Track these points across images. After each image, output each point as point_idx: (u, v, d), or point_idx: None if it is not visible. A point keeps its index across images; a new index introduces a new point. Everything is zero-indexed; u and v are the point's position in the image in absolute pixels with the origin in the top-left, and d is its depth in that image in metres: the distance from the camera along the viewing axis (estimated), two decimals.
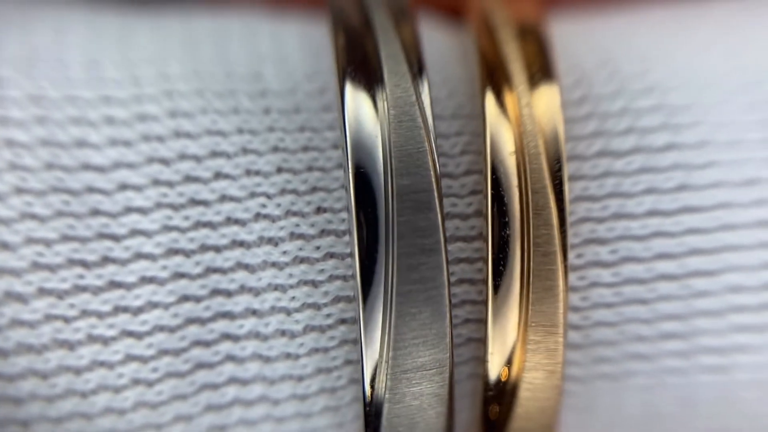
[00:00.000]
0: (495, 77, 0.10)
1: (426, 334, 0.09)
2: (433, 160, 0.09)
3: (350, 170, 0.09)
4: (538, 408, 0.10)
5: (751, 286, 0.10)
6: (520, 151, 0.10)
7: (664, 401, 0.11)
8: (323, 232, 0.10)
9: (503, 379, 0.10)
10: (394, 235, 0.09)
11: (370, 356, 0.09)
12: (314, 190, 0.10)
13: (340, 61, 0.09)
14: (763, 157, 0.10)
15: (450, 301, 0.09)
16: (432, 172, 0.09)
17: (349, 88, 0.09)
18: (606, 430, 0.11)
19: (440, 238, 0.09)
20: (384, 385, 0.09)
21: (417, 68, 0.09)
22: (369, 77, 0.09)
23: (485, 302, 0.10)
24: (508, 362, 0.10)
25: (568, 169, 0.10)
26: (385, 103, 0.09)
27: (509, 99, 0.10)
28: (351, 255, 0.10)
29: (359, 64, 0.09)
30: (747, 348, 0.10)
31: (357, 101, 0.09)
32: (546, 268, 0.10)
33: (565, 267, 0.10)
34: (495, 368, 0.10)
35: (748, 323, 0.10)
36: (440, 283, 0.09)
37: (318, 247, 0.10)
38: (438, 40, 0.11)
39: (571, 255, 0.10)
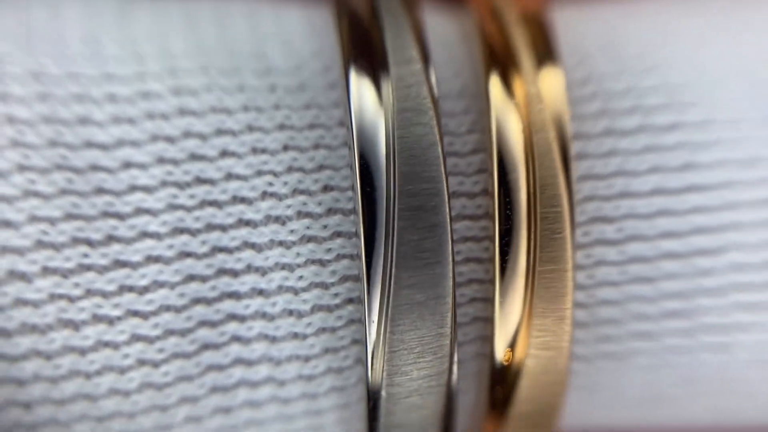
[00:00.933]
0: (499, 58, 0.10)
1: (425, 315, 0.09)
2: (440, 141, 0.09)
3: (356, 153, 0.09)
4: (543, 390, 0.10)
5: (753, 265, 0.10)
6: (527, 130, 0.10)
7: (666, 380, 0.11)
8: (330, 211, 0.10)
9: (506, 361, 0.10)
10: (395, 216, 0.09)
11: (371, 336, 0.09)
12: (321, 168, 0.10)
13: (345, 46, 0.09)
14: (764, 136, 0.10)
15: (454, 281, 0.09)
16: (440, 157, 0.09)
17: (354, 74, 0.09)
18: (608, 409, 0.11)
19: (445, 221, 0.09)
20: (381, 366, 0.09)
21: (422, 53, 0.09)
22: (374, 62, 0.09)
23: (492, 281, 0.10)
24: (513, 343, 0.10)
25: (574, 148, 0.10)
26: (391, 87, 0.09)
27: (514, 79, 0.10)
28: (356, 234, 0.10)
29: (364, 49, 0.09)
30: (749, 327, 0.11)
31: (362, 86, 0.09)
32: (553, 246, 0.10)
33: (573, 245, 0.10)
34: (501, 348, 0.10)
35: (751, 302, 0.11)
36: (443, 262, 0.09)
37: (325, 226, 0.10)
38: (439, 22, 0.11)
39: (577, 233, 0.10)
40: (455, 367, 0.09)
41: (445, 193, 0.09)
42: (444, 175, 0.09)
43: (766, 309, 0.11)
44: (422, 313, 0.09)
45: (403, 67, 0.09)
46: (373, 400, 0.09)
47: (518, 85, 0.10)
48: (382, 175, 0.09)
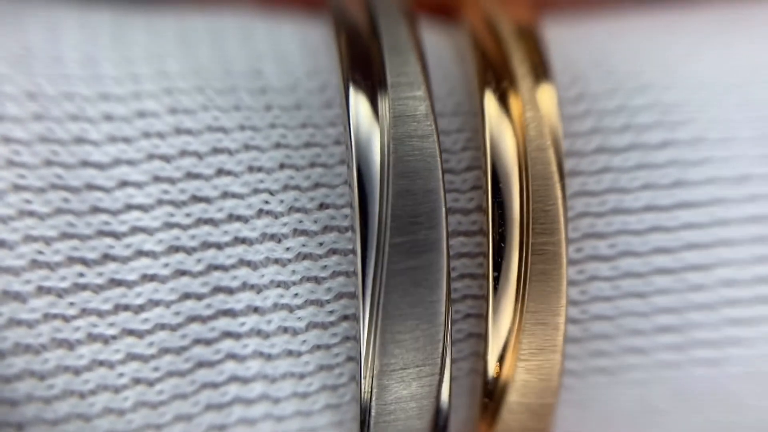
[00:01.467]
0: (493, 74, 0.10)
1: (417, 335, 0.09)
2: (440, 157, 0.09)
3: (354, 170, 0.09)
4: (532, 405, 0.10)
5: (743, 280, 0.11)
6: (521, 147, 0.10)
7: (658, 395, 0.11)
8: (326, 228, 0.10)
9: (495, 376, 0.10)
10: (386, 235, 0.09)
11: (364, 354, 0.09)
12: (317, 186, 0.10)
13: (344, 62, 0.09)
14: (754, 155, 0.11)
15: (449, 299, 0.09)
16: (439, 172, 0.09)
17: (353, 91, 0.09)
18: (601, 424, 0.11)
19: (441, 237, 0.09)
20: (370, 383, 0.09)
21: (423, 70, 0.09)
22: (373, 80, 0.09)
23: (485, 297, 0.10)
24: (502, 358, 0.10)
25: (567, 165, 0.10)
26: (388, 106, 0.09)
27: (509, 95, 0.10)
28: (353, 252, 0.10)
29: (363, 66, 0.09)
30: (740, 341, 0.11)
31: (359, 104, 0.09)
32: (546, 261, 0.10)
33: (566, 261, 0.10)
34: (493, 364, 0.10)
35: (741, 317, 0.11)
36: (435, 282, 0.09)
37: (321, 243, 0.10)
38: (433, 39, 0.11)
39: (570, 249, 0.10)
40: (446, 386, 0.09)
41: (443, 208, 0.09)
42: (442, 191, 0.09)
43: (757, 324, 0.11)
44: (414, 332, 0.09)
45: (403, 86, 0.09)
46: (364, 418, 0.09)
47: (513, 102, 0.10)
48: (376, 192, 0.09)
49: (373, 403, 0.09)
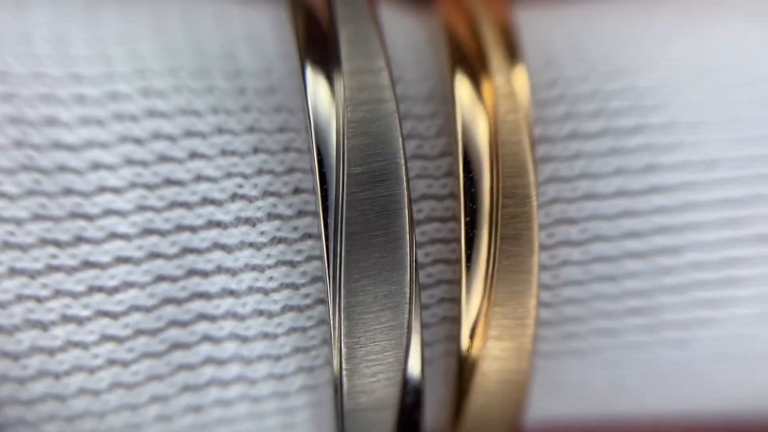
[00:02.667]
0: (466, 59, 0.10)
1: (379, 311, 0.09)
2: (399, 133, 0.09)
3: (314, 153, 0.09)
4: (502, 384, 0.10)
5: (712, 263, 0.11)
6: (493, 133, 0.10)
7: (629, 375, 0.11)
8: (301, 213, 0.10)
9: (466, 352, 0.10)
10: (343, 217, 0.09)
11: (335, 336, 0.09)
12: (291, 170, 0.10)
13: (301, 44, 0.09)
14: (723, 138, 0.11)
15: (413, 267, 0.09)
16: (399, 149, 0.09)
17: (310, 71, 0.09)
18: (572, 404, 0.12)
19: (403, 214, 0.09)
20: (340, 364, 0.09)
21: (381, 43, 0.09)
22: (329, 59, 0.09)
23: (459, 281, 0.10)
24: (472, 337, 0.10)
25: (539, 151, 0.10)
26: (343, 85, 0.09)
27: (481, 80, 0.10)
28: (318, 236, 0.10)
29: (319, 46, 0.09)
30: (708, 322, 0.11)
31: (318, 84, 0.09)
32: (517, 247, 0.10)
33: (537, 246, 0.10)
34: (466, 341, 0.10)
35: (710, 298, 0.11)
36: (400, 250, 0.09)
37: (296, 228, 0.10)
38: (407, 24, 0.11)
39: (541, 235, 0.11)
40: (415, 356, 0.09)
41: (403, 168, 0.09)
42: (402, 150, 0.09)
43: (726, 305, 0.11)
44: (376, 310, 0.09)
45: (360, 60, 0.09)
46: (339, 398, 0.09)
47: (486, 87, 0.10)
48: (332, 162, 0.09)
49: (345, 383, 0.09)
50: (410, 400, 0.10)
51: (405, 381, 0.09)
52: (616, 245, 0.11)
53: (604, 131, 0.11)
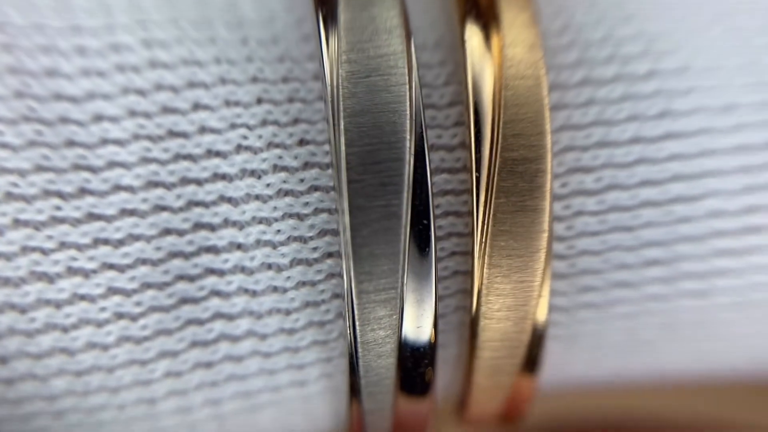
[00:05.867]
0: (475, 6, 0.10)
1: (384, 269, 0.09)
2: (410, 80, 0.09)
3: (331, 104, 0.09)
4: (510, 334, 0.10)
5: (731, 211, 0.10)
6: (504, 80, 0.10)
7: (646, 327, 0.11)
8: (307, 165, 0.10)
9: (472, 312, 0.10)
10: (342, 168, 0.09)
11: (348, 290, 0.09)
12: (296, 121, 0.10)
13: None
14: (740, 83, 0.10)
15: (407, 236, 0.09)
16: (405, 76, 0.09)
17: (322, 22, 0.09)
18: (590, 358, 0.11)
19: (403, 173, 0.09)
20: (352, 319, 0.09)
21: None
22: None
23: (471, 234, 0.10)
24: (479, 294, 0.10)
25: (551, 98, 0.10)
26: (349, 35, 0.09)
27: (491, 28, 0.10)
28: (334, 189, 0.10)
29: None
30: (727, 272, 0.11)
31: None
32: (531, 197, 0.10)
33: (551, 196, 0.10)
34: (478, 281, 0.10)
35: (728, 248, 0.11)
36: (398, 198, 0.09)
37: (302, 180, 0.10)
38: None
39: (555, 184, 0.10)
40: (410, 310, 0.09)
41: (408, 111, 0.09)
42: (409, 98, 0.09)
43: (744, 254, 0.11)
44: (378, 260, 0.09)
45: (382, 8, 0.09)
46: (352, 354, 0.09)
47: (495, 34, 0.10)
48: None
49: (358, 339, 0.09)
50: (423, 352, 0.09)
51: (400, 334, 0.09)
52: (631, 194, 0.10)
53: (617, 77, 0.10)
